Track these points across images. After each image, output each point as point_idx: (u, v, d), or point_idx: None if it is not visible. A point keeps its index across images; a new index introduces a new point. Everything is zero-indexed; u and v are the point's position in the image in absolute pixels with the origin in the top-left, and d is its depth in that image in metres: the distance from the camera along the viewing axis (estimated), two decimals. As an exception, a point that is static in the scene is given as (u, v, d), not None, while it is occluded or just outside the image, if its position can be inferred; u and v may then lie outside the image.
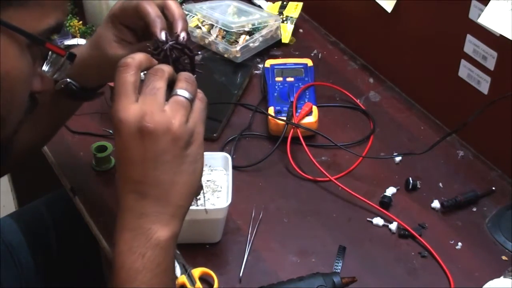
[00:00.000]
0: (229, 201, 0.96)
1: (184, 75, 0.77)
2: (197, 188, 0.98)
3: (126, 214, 0.75)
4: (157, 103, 0.73)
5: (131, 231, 0.75)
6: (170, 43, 0.80)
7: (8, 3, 0.65)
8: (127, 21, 0.88)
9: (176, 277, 0.78)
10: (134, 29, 0.89)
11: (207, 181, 1.02)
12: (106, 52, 0.89)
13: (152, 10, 0.83)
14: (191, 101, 0.75)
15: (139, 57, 0.76)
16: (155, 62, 0.78)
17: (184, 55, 0.81)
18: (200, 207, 0.97)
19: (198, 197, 0.98)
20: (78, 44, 0.95)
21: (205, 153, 0.98)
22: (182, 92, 0.75)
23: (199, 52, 0.82)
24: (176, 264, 1.00)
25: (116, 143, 0.74)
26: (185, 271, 0.98)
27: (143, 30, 0.89)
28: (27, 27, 0.67)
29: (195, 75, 0.82)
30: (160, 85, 0.74)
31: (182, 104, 0.74)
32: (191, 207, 0.96)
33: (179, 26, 0.83)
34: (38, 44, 0.70)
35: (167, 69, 0.76)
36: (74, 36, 1.40)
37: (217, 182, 1.02)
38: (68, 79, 0.95)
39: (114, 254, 0.76)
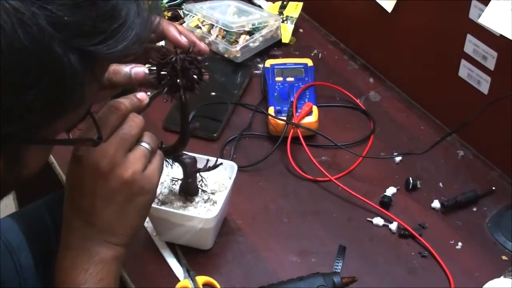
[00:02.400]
0: (219, 212, 0.96)
1: (148, 133, 0.81)
2: (194, 190, 0.98)
3: (70, 236, 0.78)
4: (124, 148, 0.76)
5: (74, 249, 0.77)
6: (181, 56, 0.82)
7: (53, 119, 0.63)
8: None
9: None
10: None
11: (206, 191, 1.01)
12: None
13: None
14: (151, 153, 0.79)
15: (130, 105, 0.79)
16: (142, 108, 0.81)
17: (193, 66, 0.82)
18: (190, 212, 0.97)
19: (193, 200, 0.98)
20: None
21: (211, 158, 0.98)
22: (146, 144, 0.79)
23: (206, 63, 0.85)
24: (180, 268, 0.99)
25: (71, 172, 0.78)
26: (188, 275, 0.98)
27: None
28: (60, 131, 0.67)
29: (201, 83, 0.84)
30: (135, 132, 0.77)
31: (145, 154, 0.78)
32: (183, 212, 0.97)
33: (202, 46, 0.91)
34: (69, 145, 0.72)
35: (142, 121, 0.79)
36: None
37: (215, 189, 1.01)
38: None
39: (55, 271, 0.78)
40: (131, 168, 0.76)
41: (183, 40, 0.87)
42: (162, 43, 0.98)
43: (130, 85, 1.01)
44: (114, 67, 0.86)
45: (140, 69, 0.86)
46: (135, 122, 0.78)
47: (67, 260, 0.77)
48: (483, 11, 1.04)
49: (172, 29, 0.87)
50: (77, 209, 0.77)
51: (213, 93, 1.27)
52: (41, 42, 0.55)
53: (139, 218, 0.81)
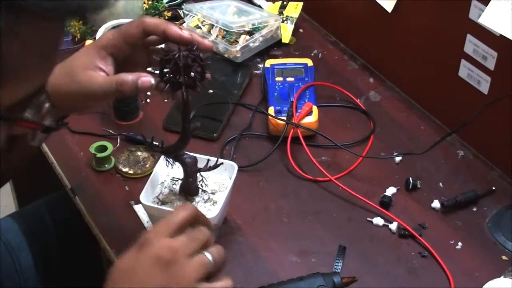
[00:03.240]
0: (219, 212, 0.96)
1: (219, 247, 0.77)
2: (194, 190, 0.98)
3: None
4: (190, 249, 0.73)
5: None
6: (184, 53, 0.81)
7: None
8: (120, 46, 0.88)
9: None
10: (116, 57, 0.89)
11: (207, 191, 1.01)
12: (78, 79, 0.87)
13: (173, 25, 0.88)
14: (214, 269, 0.75)
15: (202, 214, 0.78)
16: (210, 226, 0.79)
17: (196, 63, 0.82)
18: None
19: (193, 200, 0.98)
20: None
21: (212, 158, 0.98)
22: (210, 256, 0.75)
23: (209, 61, 0.85)
24: None
25: (128, 256, 0.74)
26: None
27: (125, 59, 0.90)
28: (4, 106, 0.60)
29: (203, 81, 0.84)
30: (203, 238, 0.75)
31: (206, 265, 0.74)
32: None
33: (206, 42, 0.87)
34: (9, 122, 0.63)
35: (211, 235, 0.77)
36: (74, 36, 1.40)
37: (216, 189, 1.01)
38: None
39: None
40: (189, 271, 0.72)
41: (185, 34, 0.86)
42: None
43: (137, 94, 1.01)
44: (122, 77, 0.86)
45: (146, 79, 0.85)
46: (204, 231, 0.76)
47: None
48: (483, 11, 1.04)
49: (172, 27, 0.87)
50: None
51: (211, 91, 1.27)
52: None
53: None
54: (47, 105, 0.65)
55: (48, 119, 0.66)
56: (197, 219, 0.77)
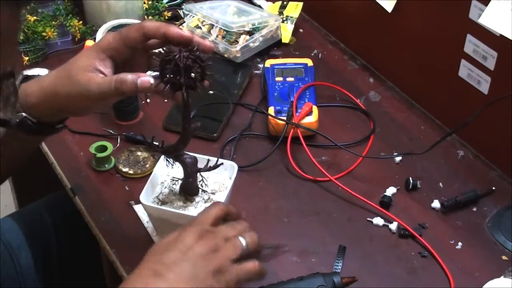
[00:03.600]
0: None
1: (253, 234, 0.83)
2: (194, 190, 0.98)
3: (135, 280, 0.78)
4: (227, 234, 0.81)
5: None
6: (185, 54, 0.82)
7: None
8: (120, 49, 0.89)
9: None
10: (116, 60, 0.89)
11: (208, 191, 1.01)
12: (77, 80, 0.87)
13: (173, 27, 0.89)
14: (246, 252, 0.81)
15: (235, 210, 0.86)
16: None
17: (196, 64, 0.83)
18: (190, 212, 0.97)
19: (193, 200, 0.98)
20: (38, 75, 0.92)
21: (212, 158, 0.98)
22: (243, 241, 0.81)
23: (210, 62, 0.85)
24: None
25: (170, 236, 0.81)
26: None
27: (125, 62, 0.90)
28: None
29: (204, 81, 0.84)
30: (241, 227, 0.83)
31: (240, 247, 0.81)
32: (184, 212, 0.97)
33: (207, 43, 0.88)
34: None
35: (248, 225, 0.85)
36: (74, 36, 1.40)
37: (216, 189, 1.01)
38: (23, 114, 0.89)
39: None
40: (225, 251, 0.79)
41: (186, 33, 0.86)
42: None
43: (136, 94, 1.01)
44: (121, 76, 0.86)
45: (146, 78, 0.85)
46: (242, 222, 0.84)
47: None
48: (483, 11, 1.04)
49: (173, 28, 0.87)
50: (158, 261, 0.78)
51: (211, 92, 1.27)
52: None
53: None
54: (13, 98, 0.65)
55: (6, 112, 0.65)
56: (229, 215, 0.84)
